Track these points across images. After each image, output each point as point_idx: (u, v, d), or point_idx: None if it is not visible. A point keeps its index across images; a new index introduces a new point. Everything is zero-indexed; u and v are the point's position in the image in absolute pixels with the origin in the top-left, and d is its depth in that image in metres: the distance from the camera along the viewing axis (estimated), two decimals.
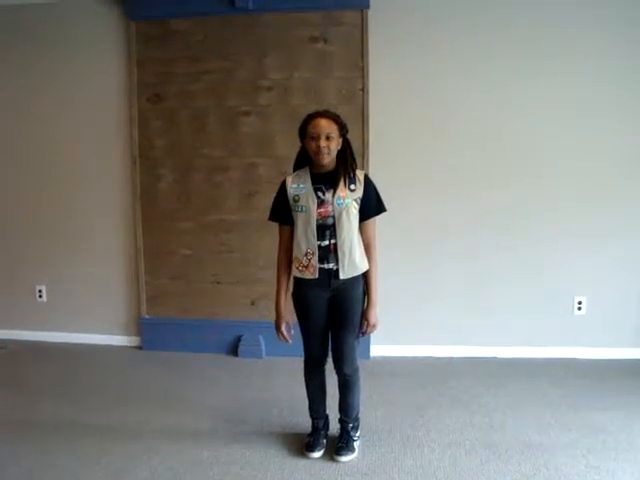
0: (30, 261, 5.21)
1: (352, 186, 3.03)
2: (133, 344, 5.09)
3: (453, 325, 4.73)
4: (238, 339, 4.83)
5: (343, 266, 3.05)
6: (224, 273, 4.86)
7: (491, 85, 4.53)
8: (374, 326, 3.19)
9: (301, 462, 3.14)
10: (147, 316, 5.01)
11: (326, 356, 3.23)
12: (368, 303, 3.17)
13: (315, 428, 3.33)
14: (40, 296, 5.24)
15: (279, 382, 4.25)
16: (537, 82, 4.49)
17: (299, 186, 3.07)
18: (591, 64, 4.44)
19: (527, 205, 4.59)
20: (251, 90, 4.69)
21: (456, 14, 4.52)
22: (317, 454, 3.21)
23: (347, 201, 3.01)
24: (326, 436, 3.34)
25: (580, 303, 4.64)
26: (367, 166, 4.57)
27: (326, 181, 3.05)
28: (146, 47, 4.77)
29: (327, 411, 3.37)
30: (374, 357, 4.72)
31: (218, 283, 4.88)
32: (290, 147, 4.68)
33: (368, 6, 4.50)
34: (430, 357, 4.71)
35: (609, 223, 4.56)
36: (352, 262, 3.06)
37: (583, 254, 4.59)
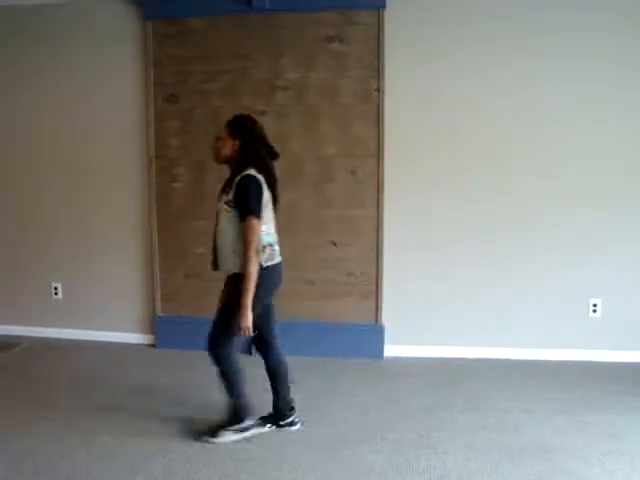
0: (46, 258, 5.26)
1: (228, 189, 3.21)
2: (147, 342, 5.12)
3: (467, 326, 4.72)
4: (252, 337, 4.82)
5: (220, 264, 3.32)
6: None
7: (507, 86, 4.52)
8: (241, 329, 3.20)
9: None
10: (161, 314, 5.03)
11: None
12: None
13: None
14: (56, 293, 5.28)
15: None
16: (554, 83, 4.47)
17: None
18: (609, 65, 4.42)
19: (542, 207, 4.57)
20: (267, 90, 4.70)
21: (472, 14, 4.51)
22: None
23: (220, 204, 3.25)
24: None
25: (595, 306, 4.61)
26: (382, 166, 4.59)
27: (226, 183, 3.26)
28: (162, 46, 4.80)
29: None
30: (387, 357, 4.72)
31: None
32: (305, 146, 4.73)
33: (384, 6, 4.50)
34: (443, 358, 4.70)
35: (624, 225, 4.53)
36: (225, 263, 3.28)
37: (598, 256, 4.56)
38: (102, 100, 5.00)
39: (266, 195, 3.22)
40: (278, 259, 3.34)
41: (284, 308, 4.77)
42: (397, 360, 4.68)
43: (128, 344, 5.10)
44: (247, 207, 3.13)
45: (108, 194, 5.07)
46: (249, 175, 3.16)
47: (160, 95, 4.84)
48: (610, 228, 4.53)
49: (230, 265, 3.23)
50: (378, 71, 4.57)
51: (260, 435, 3.44)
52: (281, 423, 3.50)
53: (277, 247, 3.35)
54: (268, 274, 3.22)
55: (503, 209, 4.61)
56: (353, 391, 4.10)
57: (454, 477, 2.98)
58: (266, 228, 3.22)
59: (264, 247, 3.20)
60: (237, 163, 3.24)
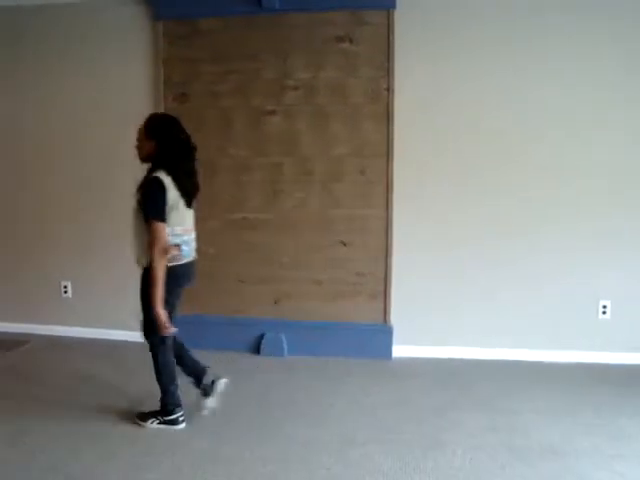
0: (55, 257, 5.28)
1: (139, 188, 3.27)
2: None
3: (476, 327, 4.70)
4: (260, 337, 4.84)
5: (135, 257, 3.39)
6: (248, 272, 4.88)
7: (516, 88, 4.51)
8: (160, 328, 3.33)
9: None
10: None
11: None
12: None
13: None
14: (65, 292, 5.30)
15: (299, 381, 4.25)
16: (562, 86, 4.46)
17: None
18: (612, 69, 4.41)
19: (552, 208, 4.55)
20: (277, 90, 4.71)
21: (481, 15, 4.50)
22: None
23: (133, 204, 3.31)
24: None
25: (605, 307, 4.59)
26: (391, 166, 4.59)
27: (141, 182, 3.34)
28: (173, 46, 4.81)
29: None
30: (396, 358, 4.71)
31: (241, 281, 4.89)
32: (315, 146, 4.73)
33: (394, 6, 4.50)
34: (452, 359, 4.69)
35: (634, 227, 4.50)
36: (136, 255, 3.35)
37: (608, 258, 4.54)
38: (112, 100, 5.01)
39: (172, 196, 3.26)
40: (186, 259, 3.41)
41: (290, 308, 4.81)
42: (405, 360, 4.67)
43: (136, 342, 5.07)
44: (148, 211, 3.21)
45: (117, 194, 5.05)
46: (153, 178, 3.24)
47: (170, 95, 4.85)
48: (619, 229, 4.50)
49: (138, 259, 3.35)
50: (388, 71, 4.56)
51: (268, 436, 3.44)
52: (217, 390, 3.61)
53: (186, 247, 3.40)
54: (172, 275, 3.28)
55: (513, 210, 4.59)
56: (361, 391, 4.10)
57: (462, 478, 2.98)
58: (170, 230, 3.27)
59: (169, 248, 3.25)
60: (152, 163, 3.32)
